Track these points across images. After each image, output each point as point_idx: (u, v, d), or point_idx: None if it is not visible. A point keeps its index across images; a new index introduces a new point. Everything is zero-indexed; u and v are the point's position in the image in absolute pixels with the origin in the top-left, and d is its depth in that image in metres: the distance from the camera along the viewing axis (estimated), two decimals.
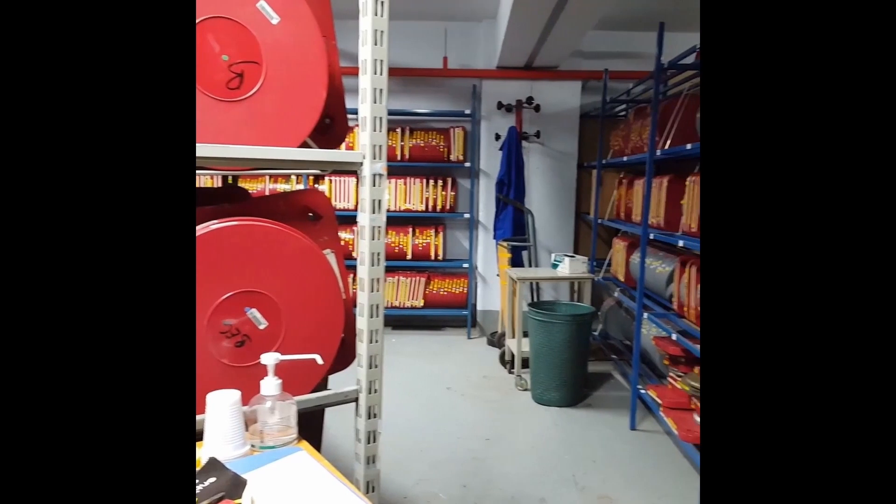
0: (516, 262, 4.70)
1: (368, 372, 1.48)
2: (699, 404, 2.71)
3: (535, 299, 4.69)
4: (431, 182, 4.99)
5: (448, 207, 5.01)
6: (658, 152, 3.06)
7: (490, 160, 5.01)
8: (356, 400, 1.50)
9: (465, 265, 5.10)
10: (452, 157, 4.98)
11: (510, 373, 4.14)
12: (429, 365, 4.33)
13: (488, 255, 5.13)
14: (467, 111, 4.93)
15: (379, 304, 1.45)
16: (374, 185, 1.41)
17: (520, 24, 3.70)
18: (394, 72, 4.90)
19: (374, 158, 1.40)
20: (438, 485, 2.64)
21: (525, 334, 3.93)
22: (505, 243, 4.67)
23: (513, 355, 4.06)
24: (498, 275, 5.01)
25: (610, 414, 3.48)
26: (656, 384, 3.30)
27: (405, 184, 4.99)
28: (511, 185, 4.75)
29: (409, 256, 5.00)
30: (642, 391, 3.21)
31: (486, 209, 5.10)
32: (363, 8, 1.35)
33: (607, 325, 4.71)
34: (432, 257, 5.04)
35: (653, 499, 2.55)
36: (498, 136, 4.94)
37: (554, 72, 4.84)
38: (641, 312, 3.22)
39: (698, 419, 2.67)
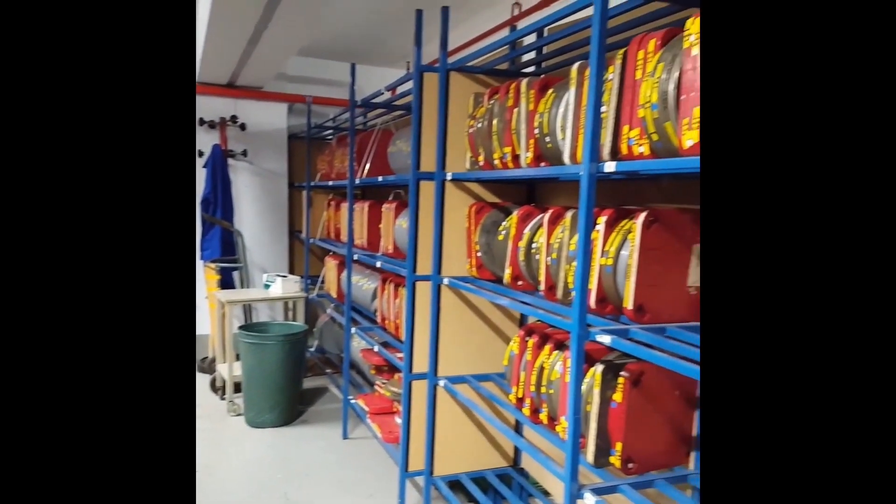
0: (226, 283, 4.56)
1: None
2: (399, 408, 3.03)
3: (250, 321, 4.62)
4: None
5: None
6: (357, 180, 3.33)
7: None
8: None
9: None
10: None
11: (222, 399, 4.01)
12: None
13: (196, 277, 4.86)
14: None
15: None
16: None
17: (218, 44, 3.64)
18: None
19: None
20: None
21: (238, 357, 3.85)
22: (213, 264, 4.50)
23: (224, 381, 3.94)
24: (207, 297, 4.79)
25: (324, 427, 3.63)
26: (366, 393, 3.56)
27: None
28: (218, 204, 4.60)
29: None
30: (353, 401, 3.43)
31: None
32: None
33: (323, 341, 4.88)
34: None
35: (361, 500, 2.77)
36: (201, 153, 4.74)
37: (259, 92, 4.84)
38: (350, 327, 3.45)
39: (399, 420, 2.98)
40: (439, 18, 2.23)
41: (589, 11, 1.42)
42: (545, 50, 2.30)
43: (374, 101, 3.28)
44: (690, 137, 1.17)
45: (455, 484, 2.55)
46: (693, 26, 1.16)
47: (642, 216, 1.47)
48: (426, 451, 2.49)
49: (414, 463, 2.57)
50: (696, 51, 1.15)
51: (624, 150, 1.39)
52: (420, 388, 2.54)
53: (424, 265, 2.45)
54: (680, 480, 1.61)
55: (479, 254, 2.28)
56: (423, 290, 2.49)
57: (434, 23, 2.28)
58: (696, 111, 1.15)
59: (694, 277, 1.58)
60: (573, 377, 1.49)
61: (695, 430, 1.64)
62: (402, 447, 2.56)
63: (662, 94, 1.23)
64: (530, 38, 2.28)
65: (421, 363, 2.51)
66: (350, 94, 3.30)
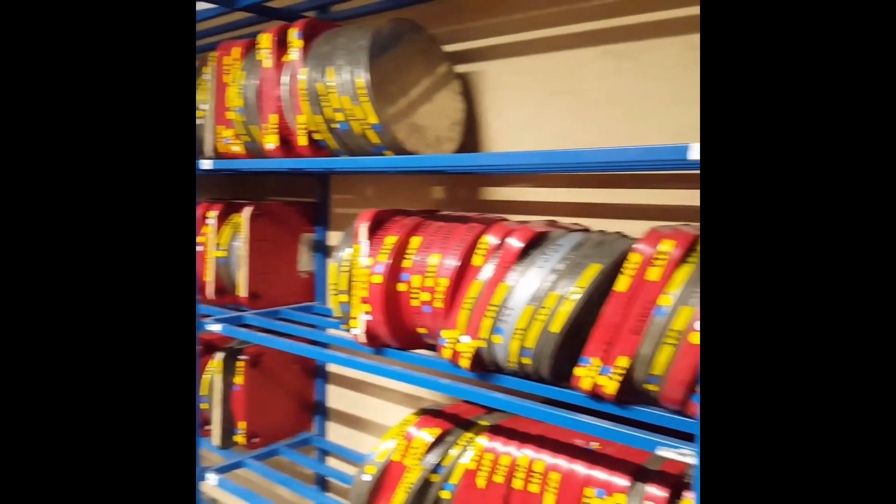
0: None
1: None
2: None
3: None
4: None
5: None
6: None
7: None
8: None
9: None
10: None
11: None
12: None
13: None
14: None
15: None
16: None
17: None
18: None
19: None
20: None
21: None
22: None
23: None
24: None
25: None
26: None
27: None
28: None
29: None
30: None
31: None
32: None
33: None
34: None
35: None
36: None
37: None
38: None
39: None
40: None
41: None
42: None
43: None
44: (270, 141, 1.31)
45: None
46: (264, 41, 1.30)
47: (248, 211, 1.58)
48: None
49: None
50: (267, 63, 1.29)
51: (221, 148, 1.48)
52: None
53: None
54: (303, 444, 1.80)
55: None
56: None
57: None
58: (273, 118, 1.30)
59: (303, 263, 1.78)
60: None
61: (314, 397, 1.86)
62: None
63: (245, 100, 1.35)
64: None
65: None
66: None
